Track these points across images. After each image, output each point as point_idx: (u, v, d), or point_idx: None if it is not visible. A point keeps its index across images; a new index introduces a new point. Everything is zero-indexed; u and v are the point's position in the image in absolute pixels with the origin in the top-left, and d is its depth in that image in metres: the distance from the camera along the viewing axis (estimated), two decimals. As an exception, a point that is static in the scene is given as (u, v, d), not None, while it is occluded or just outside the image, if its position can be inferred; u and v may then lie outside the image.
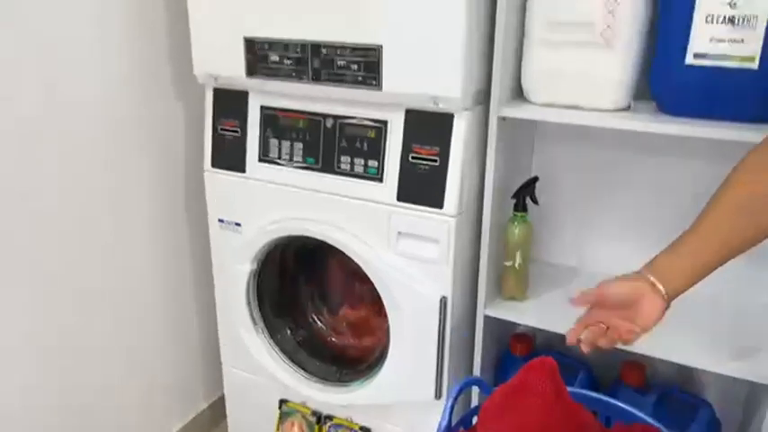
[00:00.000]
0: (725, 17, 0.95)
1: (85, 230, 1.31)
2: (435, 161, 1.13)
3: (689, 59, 1.00)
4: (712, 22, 0.97)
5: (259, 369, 1.46)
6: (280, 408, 1.50)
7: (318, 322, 1.52)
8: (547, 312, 1.24)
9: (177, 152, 1.49)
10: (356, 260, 1.24)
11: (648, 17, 1.06)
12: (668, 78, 1.04)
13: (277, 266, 1.44)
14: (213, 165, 1.37)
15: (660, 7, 1.04)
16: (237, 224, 1.38)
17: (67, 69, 1.21)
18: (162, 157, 1.46)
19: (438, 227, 1.15)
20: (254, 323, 1.43)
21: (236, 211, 1.37)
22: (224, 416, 1.65)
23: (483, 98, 1.15)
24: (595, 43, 1.06)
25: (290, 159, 1.27)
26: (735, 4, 0.95)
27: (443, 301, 1.18)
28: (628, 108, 1.10)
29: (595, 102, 1.10)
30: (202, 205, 1.42)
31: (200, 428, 1.71)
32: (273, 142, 1.29)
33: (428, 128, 1.13)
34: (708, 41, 0.97)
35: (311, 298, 1.52)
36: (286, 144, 1.27)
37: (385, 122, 1.17)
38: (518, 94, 1.19)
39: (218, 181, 1.37)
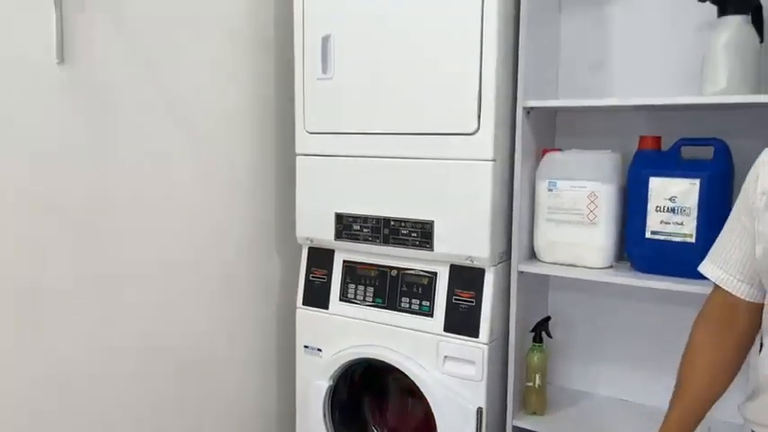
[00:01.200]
0: (668, 207, 1.41)
1: (199, 357, 1.74)
2: (472, 302, 1.56)
3: (647, 235, 1.44)
4: (661, 211, 1.42)
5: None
6: None
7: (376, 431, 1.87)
8: (562, 425, 1.58)
9: (274, 294, 1.95)
10: (412, 378, 1.63)
11: (620, 205, 1.53)
12: (636, 247, 1.48)
13: (348, 384, 1.82)
14: (304, 303, 1.82)
15: (627, 199, 1.51)
16: (319, 349, 1.79)
17: (211, 232, 1.72)
18: (263, 298, 1.92)
19: (475, 351, 1.55)
20: (327, 430, 1.78)
21: (319, 339, 1.79)
22: None
23: (506, 257, 1.60)
24: (584, 222, 1.52)
25: (363, 299, 1.72)
26: (674, 198, 1.41)
27: (479, 411, 1.55)
28: (611, 267, 1.54)
29: (586, 262, 1.54)
30: (291, 336, 1.85)
31: None
32: (351, 286, 1.74)
33: (466, 278, 1.57)
34: (659, 223, 1.43)
35: (373, 411, 1.88)
36: (361, 288, 1.73)
37: (435, 273, 1.62)
38: (532, 254, 1.65)
39: (306, 316, 1.81)
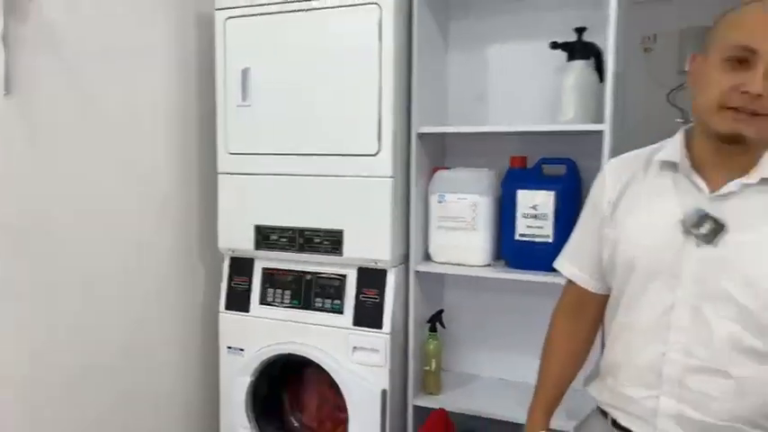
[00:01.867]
0: (531, 214, 1.74)
1: (130, 359, 1.88)
2: (377, 299, 1.82)
3: (516, 237, 1.77)
4: (526, 217, 1.75)
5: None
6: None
7: (296, 422, 2.07)
8: (454, 402, 1.87)
9: (199, 300, 2.12)
10: (326, 368, 1.85)
11: (496, 213, 1.84)
12: (508, 247, 1.80)
13: (268, 379, 2.01)
14: (226, 308, 2.00)
15: (501, 208, 1.83)
16: (241, 349, 1.98)
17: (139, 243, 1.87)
18: (188, 304, 2.08)
19: (379, 341, 1.80)
20: (249, 421, 1.97)
21: (241, 339, 1.98)
22: None
23: (405, 259, 1.87)
24: (467, 228, 1.82)
25: (282, 302, 1.93)
26: (536, 207, 1.73)
27: (384, 393, 1.80)
28: (489, 265, 1.84)
29: (470, 261, 1.84)
30: (215, 339, 2.02)
31: None
32: (270, 291, 1.95)
33: (371, 278, 1.83)
34: (525, 227, 1.75)
35: (291, 401, 2.08)
36: (279, 292, 1.94)
37: (344, 275, 1.86)
38: (427, 256, 1.93)
39: (229, 319, 2.00)
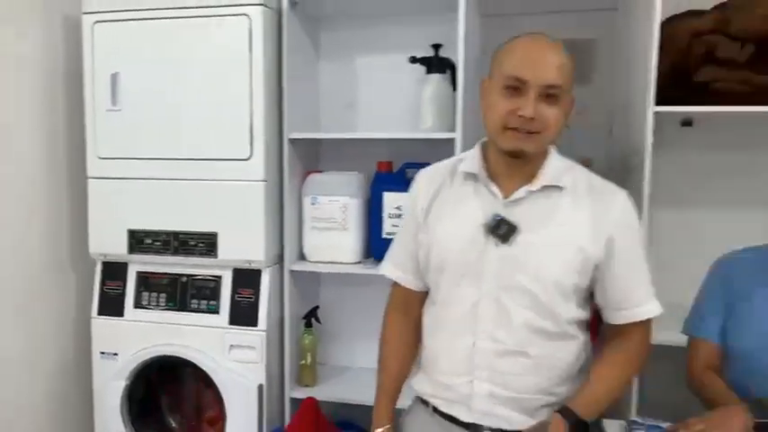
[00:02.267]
0: (396, 214, 1.88)
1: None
2: (252, 298, 1.88)
3: (383, 235, 1.90)
4: (391, 218, 1.89)
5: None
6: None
7: (174, 422, 2.09)
8: (328, 392, 1.97)
9: (71, 306, 2.08)
10: (202, 367, 1.89)
11: (365, 214, 1.97)
12: (376, 245, 1.93)
13: (144, 382, 2.02)
14: (99, 313, 1.99)
15: (370, 209, 1.96)
16: (115, 354, 1.97)
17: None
18: (59, 310, 2.03)
19: (255, 339, 1.87)
20: (125, 426, 1.96)
21: (115, 344, 1.97)
22: None
23: (279, 259, 1.95)
24: (338, 228, 1.93)
25: (157, 305, 1.95)
26: (399, 207, 1.88)
27: (260, 388, 1.87)
28: (359, 262, 1.97)
29: (342, 259, 1.95)
30: (87, 344, 2.00)
31: None
32: (145, 294, 1.96)
33: (246, 278, 1.89)
34: (390, 226, 1.89)
35: (170, 403, 2.10)
36: (154, 295, 1.95)
37: (220, 276, 1.91)
38: (302, 256, 2.02)
39: (102, 324, 1.98)
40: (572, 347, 1.16)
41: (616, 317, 1.17)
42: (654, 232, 2.18)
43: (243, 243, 1.86)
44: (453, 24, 1.76)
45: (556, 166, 1.16)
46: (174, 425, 2.10)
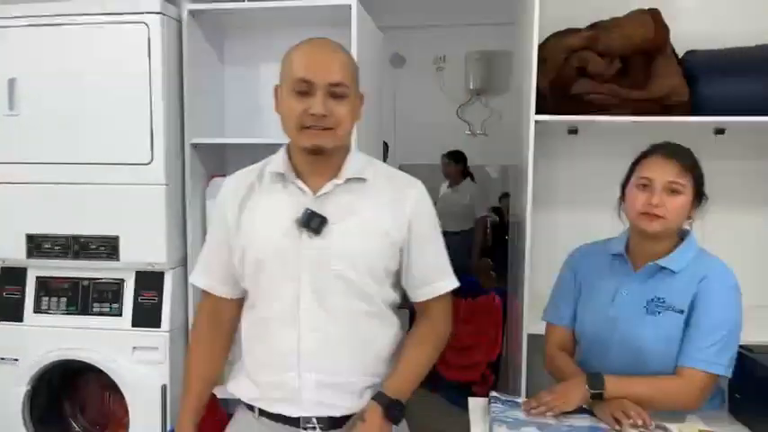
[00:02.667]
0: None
1: None
2: (155, 300, 1.92)
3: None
4: (292, 219, 1.97)
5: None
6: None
7: (78, 426, 2.09)
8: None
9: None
10: (105, 370, 1.91)
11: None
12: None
13: (47, 388, 2.01)
14: (-3, 319, 1.97)
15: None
16: (15, 359, 1.96)
17: None
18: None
19: (159, 340, 1.91)
20: (27, 431, 1.96)
21: (14, 350, 1.96)
22: None
23: (184, 261, 2.00)
24: (241, 230, 2.00)
25: (57, 309, 1.95)
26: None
27: (164, 388, 1.91)
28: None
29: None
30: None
31: None
32: (45, 299, 1.96)
33: (149, 280, 1.93)
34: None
35: (73, 407, 2.10)
36: (54, 299, 1.96)
37: (122, 279, 1.94)
38: (207, 258, 2.07)
39: (0, 330, 1.97)
40: (389, 329, 1.25)
41: (419, 294, 1.26)
42: (543, 232, 2.37)
43: (145, 246, 1.90)
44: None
45: (357, 160, 1.24)
46: (77, 428, 2.10)
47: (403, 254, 1.23)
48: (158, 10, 1.81)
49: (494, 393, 1.37)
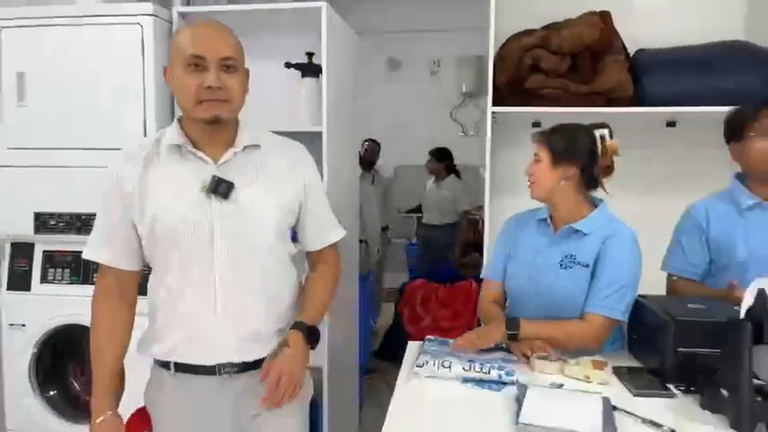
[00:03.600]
0: (274, 197, 2.18)
1: None
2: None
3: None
4: (270, 199, 2.19)
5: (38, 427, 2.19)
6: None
7: (79, 386, 2.32)
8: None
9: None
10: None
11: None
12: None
13: (52, 350, 2.24)
14: (8, 288, 2.20)
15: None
16: (23, 324, 2.19)
17: None
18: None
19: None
20: (33, 390, 2.18)
21: (23, 316, 2.19)
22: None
23: (174, 238, 2.21)
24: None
25: (62, 279, 2.19)
26: (278, 192, 2.18)
27: (155, 350, 2.12)
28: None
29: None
30: (-3, 317, 2.21)
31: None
32: (51, 270, 2.20)
33: (142, 254, 2.15)
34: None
35: (74, 369, 2.32)
36: (59, 270, 2.19)
37: (119, 253, 2.16)
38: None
39: (10, 299, 2.20)
40: (293, 279, 1.40)
41: (315, 244, 1.43)
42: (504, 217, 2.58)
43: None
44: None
45: (248, 131, 1.35)
46: (78, 388, 2.33)
47: (301, 210, 1.38)
48: (151, 12, 2.05)
49: (429, 336, 1.58)
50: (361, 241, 3.40)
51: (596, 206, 1.58)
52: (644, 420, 1.16)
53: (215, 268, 1.28)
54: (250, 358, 1.32)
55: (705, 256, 1.69)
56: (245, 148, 1.32)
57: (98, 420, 1.32)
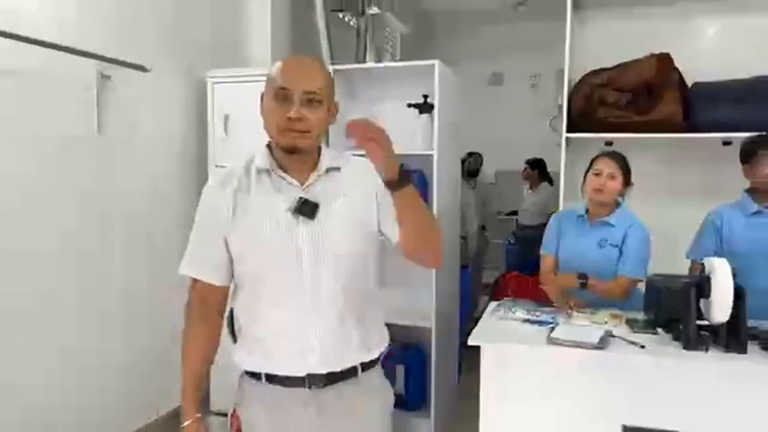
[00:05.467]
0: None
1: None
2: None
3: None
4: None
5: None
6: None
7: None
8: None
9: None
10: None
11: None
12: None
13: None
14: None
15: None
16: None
17: None
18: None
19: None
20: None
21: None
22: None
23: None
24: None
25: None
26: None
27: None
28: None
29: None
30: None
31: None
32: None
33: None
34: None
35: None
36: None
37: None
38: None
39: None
40: (379, 298, 1.47)
41: (397, 233, 1.36)
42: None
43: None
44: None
45: (330, 154, 1.41)
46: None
47: (379, 212, 1.38)
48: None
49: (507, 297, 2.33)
50: (461, 237, 4.09)
51: (618, 205, 2.31)
52: (628, 342, 1.86)
53: (304, 285, 1.33)
54: (337, 369, 1.37)
55: (716, 248, 2.29)
56: (327, 170, 1.39)
57: (184, 424, 1.42)
